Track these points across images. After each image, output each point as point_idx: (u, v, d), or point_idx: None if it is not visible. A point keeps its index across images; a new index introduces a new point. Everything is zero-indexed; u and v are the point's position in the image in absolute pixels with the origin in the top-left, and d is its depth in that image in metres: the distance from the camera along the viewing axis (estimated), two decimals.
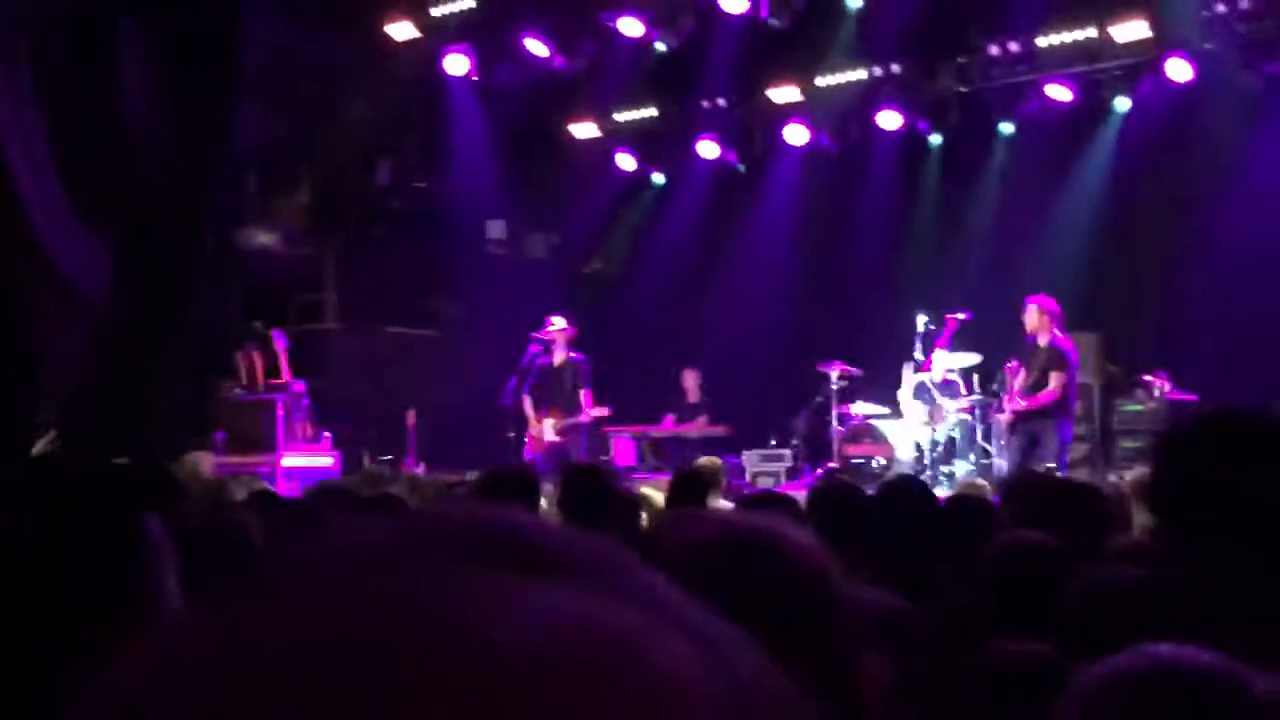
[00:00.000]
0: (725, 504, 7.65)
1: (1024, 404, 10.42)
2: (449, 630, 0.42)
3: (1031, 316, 10.50)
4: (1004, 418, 10.74)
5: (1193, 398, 11.78)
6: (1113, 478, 10.11)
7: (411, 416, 12.77)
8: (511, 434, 11.83)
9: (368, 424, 13.04)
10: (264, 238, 13.41)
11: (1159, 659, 1.38)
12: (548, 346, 11.73)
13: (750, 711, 0.45)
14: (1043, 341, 10.45)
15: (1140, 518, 5.71)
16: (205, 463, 9.40)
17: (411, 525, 0.50)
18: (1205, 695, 1.34)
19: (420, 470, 12.12)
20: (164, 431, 10.51)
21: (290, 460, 11.45)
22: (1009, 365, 10.76)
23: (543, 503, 7.81)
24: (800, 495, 5.32)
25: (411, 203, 15.02)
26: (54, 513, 1.14)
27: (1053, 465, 9.92)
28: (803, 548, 1.58)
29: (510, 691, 0.41)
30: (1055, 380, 10.30)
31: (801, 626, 1.48)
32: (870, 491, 5.04)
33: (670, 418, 13.37)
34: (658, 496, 7.19)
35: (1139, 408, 11.56)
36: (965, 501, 4.85)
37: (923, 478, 11.25)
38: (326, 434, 12.03)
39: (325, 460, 11.75)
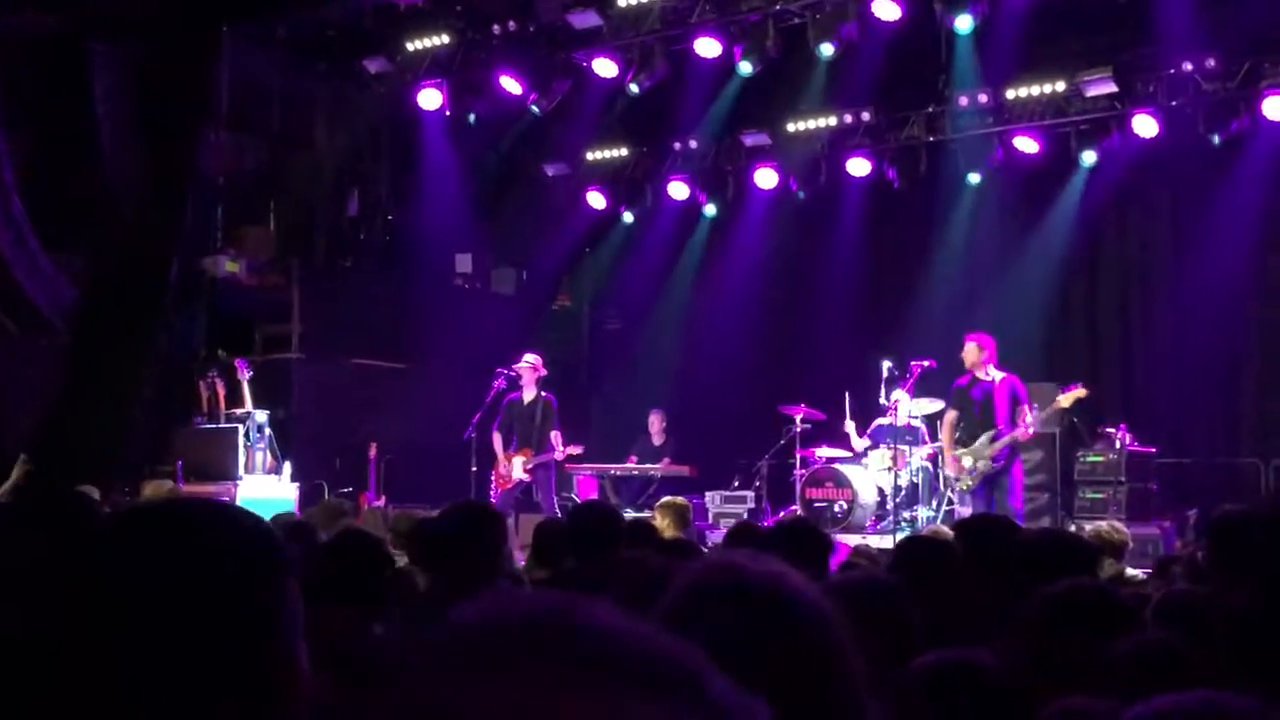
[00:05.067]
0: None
1: (1031, 431, 10.37)
2: None
3: (971, 353, 10.53)
4: (958, 464, 10.64)
5: (1151, 450, 11.94)
6: (1072, 528, 10.23)
7: (374, 449, 12.73)
8: (475, 469, 11.82)
9: (330, 456, 12.99)
10: (230, 266, 13.35)
11: (1202, 701, 1.32)
12: (514, 382, 11.75)
13: None
14: (982, 375, 10.45)
15: (1105, 569, 5.82)
16: (165, 489, 9.35)
17: (498, 626, 0.53)
18: None
19: (381, 504, 12.10)
20: (126, 460, 10.43)
21: (249, 490, 11.37)
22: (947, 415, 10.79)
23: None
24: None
25: (380, 235, 15.03)
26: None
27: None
28: (805, 592, 1.59)
29: None
30: (1028, 409, 10.35)
31: (804, 672, 1.50)
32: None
33: (633, 458, 13.42)
34: None
35: (1099, 459, 11.69)
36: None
37: (884, 523, 11.37)
38: (287, 465, 11.98)
39: (285, 491, 11.68)
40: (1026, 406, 10.32)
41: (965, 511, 10.27)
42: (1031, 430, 10.34)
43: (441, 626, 0.54)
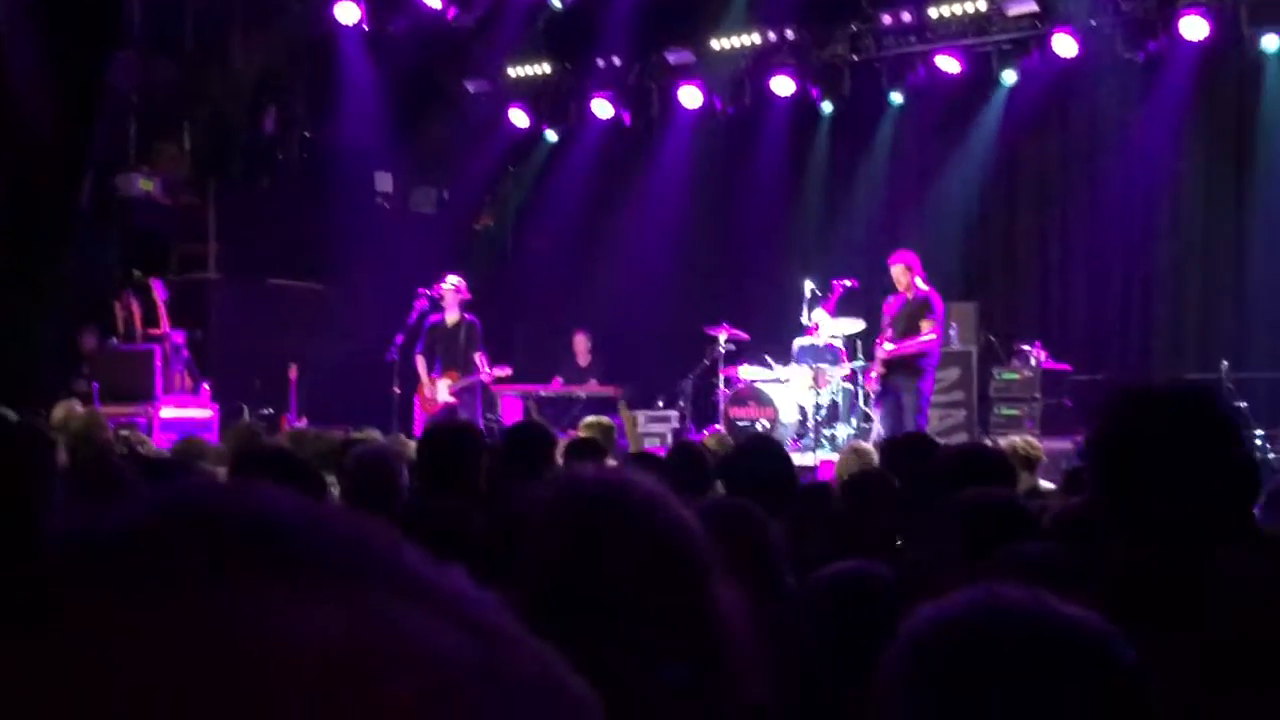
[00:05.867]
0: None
1: (893, 348, 10.43)
2: (210, 647, 0.42)
3: (900, 274, 10.68)
4: (872, 377, 10.86)
5: (1066, 367, 12.22)
6: (987, 443, 10.45)
7: (294, 371, 12.69)
8: (398, 391, 11.81)
9: (248, 377, 12.92)
10: (144, 185, 13.15)
11: (987, 599, 1.27)
12: (436, 303, 11.71)
13: (523, 697, 0.45)
14: (910, 295, 10.62)
15: (1019, 483, 6.00)
16: (76, 410, 9.30)
17: (172, 512, 0.47)
18: (1038, 635, 1.24)
19: (303, 426, 12.05)
20: (37, 380, 10.32)
21: (168, 412, 11.31)
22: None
23: None
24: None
25: (298, 153, 14.84)
26: None
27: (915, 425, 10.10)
28: (650, 495, 1.66)
29: (273, 704, 0.41)
30: (928, 326, 10.47)
31: (654, 571, 1.58)
32: None
33: (558, 379, 13.47)
34: None
35: (1014, 376, 11.96)
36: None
37: (805, 440, 11.56)
38: (205, 386, 11.91)
39: (203, 413, 11.63)
40: (929, 322, 10.45)
41: (881, 429, 10.47)
42: (891, 351, 10.42)
43: (91, 524, 0.48)
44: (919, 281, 10.63)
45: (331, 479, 6.04)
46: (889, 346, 10.48)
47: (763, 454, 5.25)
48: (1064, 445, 10.76)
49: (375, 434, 8.55)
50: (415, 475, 4.75)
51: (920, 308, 10.52)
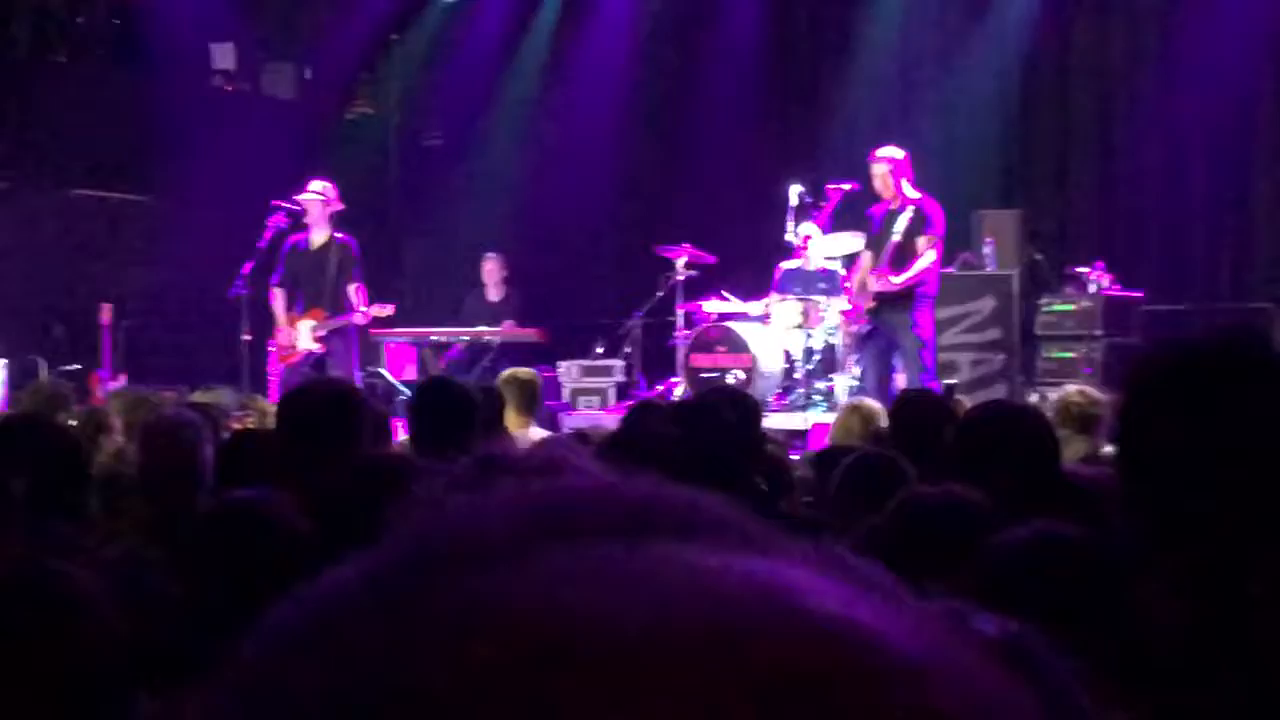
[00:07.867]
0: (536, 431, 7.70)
1: (897, 282, 10.34)
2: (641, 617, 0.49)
3: (880, 176, 10.61)
4: (850, 315, 10.87)
5: (1136, 295, 12.26)
6: (1034, 397, 10.47)
7: (107, 312, 12.59)
8: (248, 337, 11.71)
9: (45, 321, 12.81)
10: None
11: None
12: (298, 219, 11.61)
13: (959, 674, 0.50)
14: (895, 205, 10.54)
15: (1072, 448, 5.96)
16: None
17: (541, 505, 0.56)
18: None
19: (121, 384, 11.95)
20: None
21: None
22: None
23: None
24: None
25: (106, 20, 14.63)
26: None
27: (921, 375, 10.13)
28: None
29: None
30: (926, 244, 10.35)
31: None
32: None
33: (463, 319, 13.41)
34: None
35: (1069, 307, 11.99)
36: None
37: (793, 397, 11.56)
38: None
39: None
40: (926, 238, 10.37)
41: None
42: (888, 282, 10.39)
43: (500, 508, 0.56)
44: (906, 186, 10.55)
45: None
46: (895, 281, 10.37)
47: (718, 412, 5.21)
48: None
49: (225, 395, 8.48)
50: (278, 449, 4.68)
51: (913, 221, 10.43)
